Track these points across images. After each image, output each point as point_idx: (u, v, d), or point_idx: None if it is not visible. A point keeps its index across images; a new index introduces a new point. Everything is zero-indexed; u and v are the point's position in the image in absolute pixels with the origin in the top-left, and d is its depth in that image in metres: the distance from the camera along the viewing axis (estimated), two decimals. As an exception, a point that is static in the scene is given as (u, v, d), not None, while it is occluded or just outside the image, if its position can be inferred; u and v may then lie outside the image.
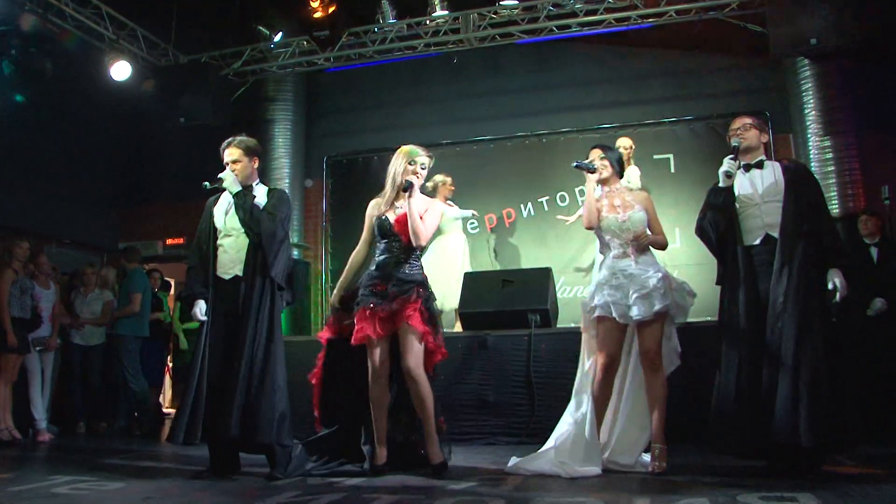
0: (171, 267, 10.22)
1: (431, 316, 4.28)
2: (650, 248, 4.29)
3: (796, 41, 6.99)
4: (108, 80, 8.24)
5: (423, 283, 4.31)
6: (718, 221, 4.13)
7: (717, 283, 4.28)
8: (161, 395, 9.79)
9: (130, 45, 8.40)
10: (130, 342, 7.34)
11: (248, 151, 4.54)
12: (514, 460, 4.37)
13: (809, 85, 7.97)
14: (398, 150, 4.48)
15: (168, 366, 9.39)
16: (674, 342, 4.27)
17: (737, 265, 4.06)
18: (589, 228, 4.39)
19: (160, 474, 4.48)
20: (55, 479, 4.17)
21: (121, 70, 8.19)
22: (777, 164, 4.16)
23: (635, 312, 4.05)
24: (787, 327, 3.79)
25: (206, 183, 4.44)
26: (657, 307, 4.03)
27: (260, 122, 9.34)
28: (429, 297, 4.30)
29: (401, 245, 4.31)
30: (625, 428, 4.27)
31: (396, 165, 4.42)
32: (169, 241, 10.46)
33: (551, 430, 5.19)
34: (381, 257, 4.34)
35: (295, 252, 8.76)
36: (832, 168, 7.67)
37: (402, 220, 4.27)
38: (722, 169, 4.07)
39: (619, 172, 4.49)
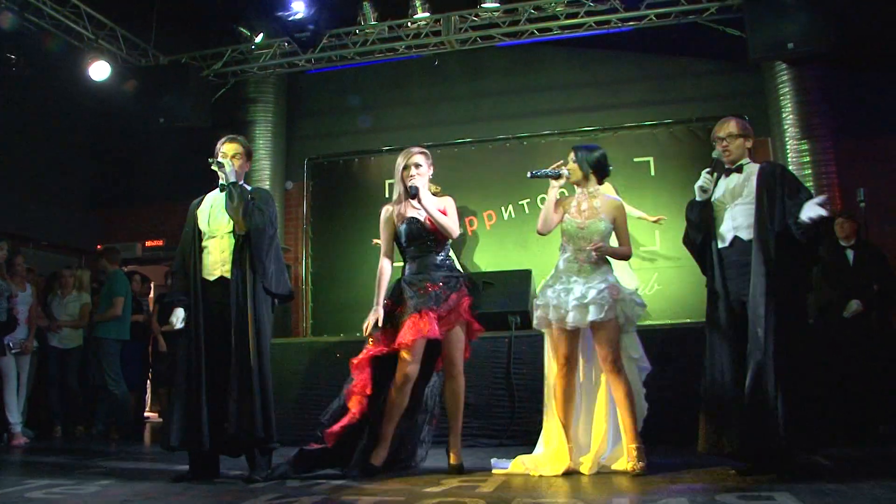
0: (150, 269, 10.15)
1: (476, 310, 4.39)
2: (608, 257, 4.26)
3: (774, 46, 7.06)
4: (87, 80, 8.17)
5: (465, 276, 4.40)
6: (695, 238, 4.15)
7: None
8: (141, 399, 9.72)
9: (110, 45, 8.34)
10: (111, 345, 7.25)
11: (247, 152, 4.57)
12: (495, 461, 4.39)
13: (787, 89, 8.05)
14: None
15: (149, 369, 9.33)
16: (630, 352, 4.21)
17: (713, 268, 4.08)
18: (540, 233, 4.35)
19: (138, 478, 4.43)
20: (29, 484, 4.12)
21: (100, 70, 8.13)
22: (755, 167, 4.18)
23: (570, 319, 4.05)
24: (765, 329, 3.81)
25: (212, 159, 4.40)
26: (592, 318, 4.00)
27: (241, 124, 9.27)
28: (473, 288, 4.36)
29: (435, 242, 4.32)
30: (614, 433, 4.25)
31: (396, 175, 4.41)
32: (148, 244, 10.37)
33: (531, 432, 5.21)
34: (419, 258, 4.31)
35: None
36: (809, 171, 7.75)
37: (431, 220, 4.28)
38: (697, 184, 4.07)
39: (597, 174, 4.37)
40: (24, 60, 7.61)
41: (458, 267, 4.44)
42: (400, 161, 4.40)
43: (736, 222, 4.04)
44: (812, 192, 4.39)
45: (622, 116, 8.97)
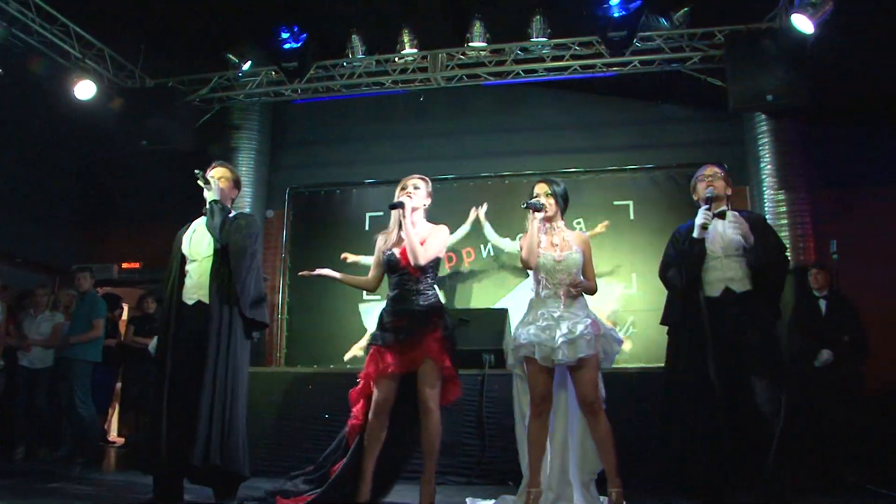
0: (125, 291, 10.06)
1: (451, 344, 4.20)
2: (580, 292, 4.23)
3: (753, 97, 7.18)
4: (73, 99, 8.15)
5: (439, 311, 4.24)
6: (689, 273, 4.16)
7: (662, 324, 4.33)
8: (107, 423, 9.58)
9: (97, 65, 8.33)
10: (84, 366, 7.12)
11: (235, 179, 4.61)
12: (469, 500, 4.36)
13: (766, 140, 8.18)
14: None
15: (117, 392, 9.21)
16: (599, 389, 4.17)
17: (700, 315, 4.11)
18: (526, 266, 4.24)
19: (101, 502, 4.36)
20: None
21: (85, 89, 8.11)
22: (738, 215, 4.27)
23: (559, 356, 3.96)
24: (753, 380, 3.89)
25: (199, 171, 4.40)
26: (582, 354, 3.95)
27: (224, 150, 9.28)
28: (447, 325, 4.21)
29: (410, 277, 4.24)
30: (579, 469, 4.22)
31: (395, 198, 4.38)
32: (125, 265, 10.28)
33: (502, 471, 5.19)
34: (394, 292, 4.27)
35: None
36: (785, 221, 7.85)
37: (405, 252, 4.22)
38: (698, 221, 4.12)
39: (563, 209, 4.37)
40: (10, 77, 7.56)
41: (439, 302, 4.35)
42: (397, 187, 4.41)
43: (728, 274, 4.09)
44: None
45: (604, 160, 9.06)
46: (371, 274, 4.48)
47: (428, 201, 4.46)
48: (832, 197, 8.30)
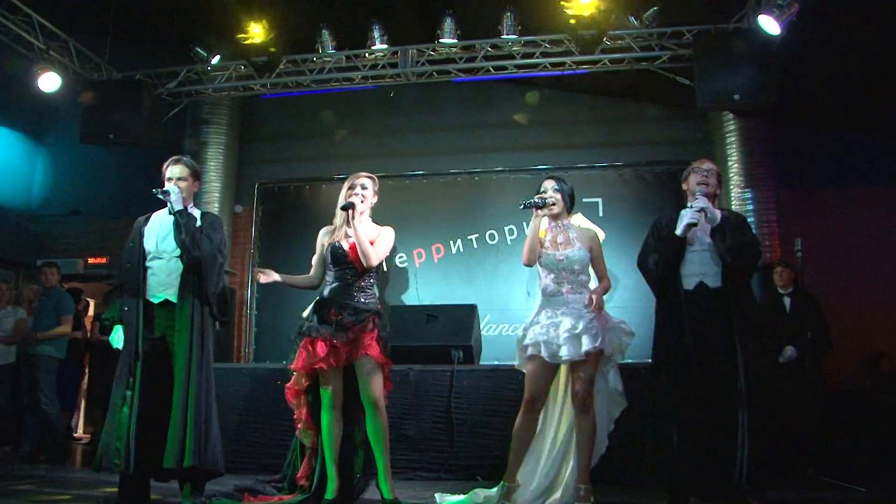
0: (92, 287, 9.93)
1: (386, 345, 4.26)
2: (587, 287, 4.22)
3: (721, 96, 7.25)
4: (36, 91, 8.00)
5: (378, 313, 4.28)
6: (666, 269, 4.18)
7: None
8: (73, 420, 9.47)
9: (61, 57, 8.18)
10: (49, 363, 7.03)
11: (194, 173, 4.51)
12: (438, 496, 4.36)
13: (733, 139, 8.28)
14: None
15: (83, 389, 9.10)
16: (613, 384, 4.23)
17: (675, 309, 4.14)
18: (526, 264, 4.24)
19: (65, 501, 4.31)
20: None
21: (49, 81, 7.96)
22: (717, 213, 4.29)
23: (564, 353, 3.98)
24: (727, 374, 3.95)
25: (156, 189, 4.34)
26: (586, 347, 3.96)
27: (192, 144, 9.19)
28: (384, 327, 4.28)
29: (355, 272, 4.26)
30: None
31: (340, 196, 4.40)
32: (91, 261, 10.14)
33: (471, 466, 5.20)
34: (334, 284, 4.28)
35: (222, 278, 8.60)
36: (751, 220, 7.92)
37: (356, 248, 4.23)
38: (686, 220, 4.10)
39: (570, 207, 4.39)
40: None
41: (378, 301, 4.38)
42: (346, 183, 4.42)
43: (703, 268, 4.12)
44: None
45: (573, 157, 9.10)
46: (313, 272, 4.49)
47: (375, 200, 4.47)
48: (797, 196, 8.43)
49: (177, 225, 4.28)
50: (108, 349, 7.59)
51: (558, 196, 4.29)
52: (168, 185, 4.36)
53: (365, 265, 4.22)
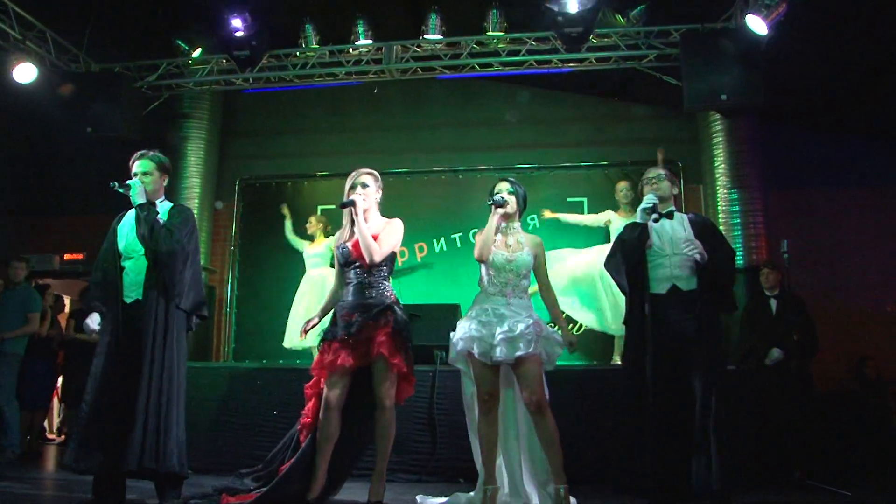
0: (67, 283, 9.76)
1: (403, 341, 4.16)
2: (526, 292, 4.21)
3: (708, 96, 7.21)
4: (10, 82, 7.81)
5: (390, 306, 4.19)
6: (631, 254, 4.21)
7: (624, 323, 4.37)
8: (47, 419, 9.29)
9: (38, 48, 8.00)
10: (13, 359, 6.86)
11: (160, 167, 4.40)
12: (420, 498, 4.30)
13: (720, 139, 8.23)
14: None
15: (57, 388, 8.92)
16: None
17: (644, 313, 4.15)
18: (478, 260, 4.24)
19: (39, 501, 4.19)
20: None
21: (25, 72, 7.77)
22: (685, 217, 4.35)
23: (497, 354, 3.94)
24: (696, 378, 3.94)
25: (115, 182, 4.23)
26: (520, 352, 3.91)
27: (172, 139, 9.05)
28: (399, 320, 4.16)
29: (362, 270, 4.22)
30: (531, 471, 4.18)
31: (344, 195, 4.32)
32: (67, 257, 9.94)
33: (453, 468, 5.13)
34: (352, 283, 4.24)
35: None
36: (738, 221, 7.91)
37: (359, 245, 4.18)
38: (642, 206, 4.21)
39: (522, 210, 4.38)
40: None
41: (393, 296, 4.29)
42: (348, 181, 4.35)
43: (675, 272, 4.15)
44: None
45: (558, 156, 9.04)
46: (335, 281, 4.45)
47: (379, 195, 4.43)
48: (784, 197, 8.42)
49: (137, 219, 4.20)
50: (84, 347, 7.50)
51: (513, 199, 4.28)
52: (133, 181, 4.26)
53: (368, 261, 4.17)
